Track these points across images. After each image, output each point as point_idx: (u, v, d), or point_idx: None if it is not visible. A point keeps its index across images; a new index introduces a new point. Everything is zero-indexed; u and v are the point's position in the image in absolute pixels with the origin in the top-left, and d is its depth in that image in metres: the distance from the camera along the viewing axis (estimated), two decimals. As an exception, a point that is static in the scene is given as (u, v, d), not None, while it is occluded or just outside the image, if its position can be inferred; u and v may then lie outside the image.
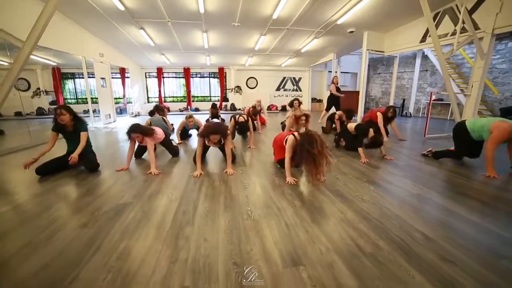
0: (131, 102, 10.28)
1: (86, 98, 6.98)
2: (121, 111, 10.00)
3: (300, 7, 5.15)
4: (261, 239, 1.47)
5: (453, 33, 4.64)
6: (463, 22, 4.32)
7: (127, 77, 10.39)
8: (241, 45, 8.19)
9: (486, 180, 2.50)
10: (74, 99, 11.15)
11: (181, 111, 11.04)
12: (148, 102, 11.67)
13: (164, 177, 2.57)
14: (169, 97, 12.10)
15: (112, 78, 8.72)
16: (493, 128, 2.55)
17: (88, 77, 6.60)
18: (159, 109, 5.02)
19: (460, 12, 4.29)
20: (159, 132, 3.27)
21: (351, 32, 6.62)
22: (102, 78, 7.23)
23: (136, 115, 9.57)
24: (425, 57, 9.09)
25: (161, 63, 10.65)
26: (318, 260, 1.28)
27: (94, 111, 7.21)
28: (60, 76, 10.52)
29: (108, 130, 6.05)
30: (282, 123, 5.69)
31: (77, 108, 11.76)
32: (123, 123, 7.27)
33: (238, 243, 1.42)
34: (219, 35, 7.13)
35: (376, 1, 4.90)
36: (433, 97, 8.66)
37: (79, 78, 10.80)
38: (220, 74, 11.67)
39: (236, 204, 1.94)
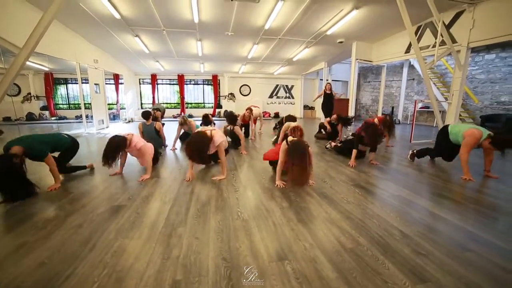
0: (125, 108, 10.29)
1: (79, 104, 7.00)
2: (114, 117, 10.00)
3: (291, 18, 5.38)
4: (250, 237, 1.56)
5: (434, 45, 4.94)
6: (442, 36, 4.62)
7: (121, 83, 10.43)
8: (235, 54, 8.40)
9: (462, 182, 2.67)
10: (66, 104, 11.09)
11: (174, 117, 11.09)
12: (142, 108, 11.69)
13: (157, 181, 2.64)
14: (163, 103, 12.15)
15: (106, 84, 8.77)
16: (466, 134, 2.75)
17: (82, 82, 6.63)
18: (154, 118, 4.87)
19: (438, 26, 4.59)
20: (149, 148, 2.97)
21: (341, 42, 6.92)
22: (96, 84, 7.27)
23: (129, 121, 9.57)
24: (411, 67, 9.51)
25: (156, 70, 10.76)
26: (302, 255, 1.38)
27: (87, 116, 7.21)
28: (52, 81, 10.48)
29: (101, 135, 6.06)
30: (275, 128, 5.85)
31: (70, 114, 11.70)
32: (116, 129, 7.28)
33: (228, 241, 1.51)
34: (213, 43, 7.31)
35: (363, 14, 5.18)
36: (419, 105, 9.06)
37: (72, 83, 10.79)
38: (214, 81, 11.85)
39: (227, 206, 2.03)
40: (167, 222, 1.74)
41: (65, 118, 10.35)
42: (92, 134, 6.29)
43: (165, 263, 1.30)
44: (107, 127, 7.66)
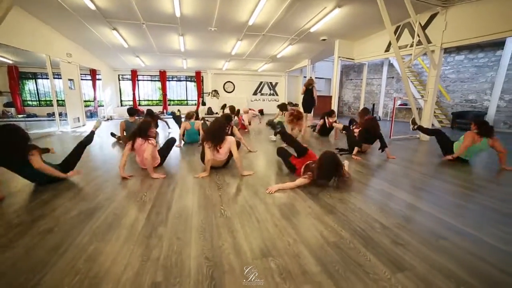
0: (103, 106, 9.80)
1: (51, 100, 6.54)
2: (91, 115, 9.49)
3: (275, 15, 5.36)
4: (233, 235, 1.53)
5: (411, 45, 5.14)
6: (418, 36, 4.82)
7: (99, 79, 9.91)
8: (218, 50, 8.26)
9: (439, 176, 2.81)
10: (36, 101, 10.29)
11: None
12: (122, 105, 11.21)
13: (138, 180, 2.53)
14: (144, 100, 11.73)
15: (82, 79, 8.28)
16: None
17: (54, 77, 6.20)
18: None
19: (415, 27, 4.78)
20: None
21: (324, 40, 7.01)
22: (70, 80, 6.84)
23: (108, 119, 9.14)
24: (391, 65, 9.88)
25: (136, 66, 10.33)
26: (285, 251, 1.38)
27: (60, 114, 6.77)
28: (17, 75, 9.63)
29: (77, 134, 5.73)
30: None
31: (40, 111, 10.82)
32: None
33: (211, 240, 1.47)
34: (196, 39, 7.13)
35: (345, 13, 5.26)
36: (398, 102, 9.44)
37: (43, 78, 10.03)
38: (197, 78, 11.60)
39: (210, 204, 1.98)
40: (147, 222, 1.67)
41: (35, 115, 9.61)
42: (67, 132, 5.92)
43: (144, 265, 1.24)
44: (83, 125, 7.26)
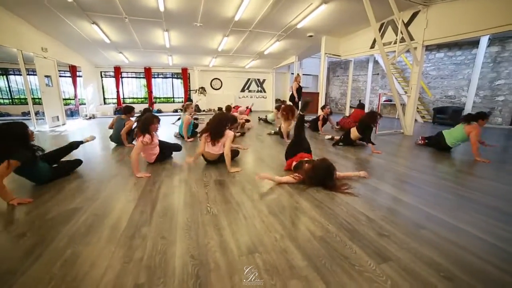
0: (85, 104, 9.40)
1: (26, 98, 6.17)
2: (72, 113, 9.06)
3: (261, 10, 5.31)
4: (219, 232, 1.50)
5: (395, 42, 5.27)
6: (402, 33, 4.94)
7: (79, 76, 9.47)
8: (204, 46, 8.10)
9: (422, 169, 2.91)
10: (8, 99, 9.68)
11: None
12: (105, 103, 10.80)
13: (122, 179, 2.44)
14: (129, 98, 11.36)
15: (61, 76, 7.90)
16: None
17: (29, 74, 5.85)
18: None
19: (399, 24, 4.89)
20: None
21: (310, 36, 7.04)
22: (47, 76, 6.49)
23: (90, 118, 8.77)
24: (376, 62, 10.09)
25: (119, 62, 9.95)
26: (272, 247, 1.37)
27: (37, 113, 6.43)
28: (-19, 71, 8.97)
29: (56, 133, 5.46)
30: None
31: (14, 110, 10.17)
32: (75, 126, 6.62)
33: (196, 238, 1.44)
34: (181, 34, 6.95)
35: (331, 9, 5.30)
36: (383, 98, 9.69)
37: (15, 74, 9.44)
38: (184, 75, 11.36)
39: (196, 201, 1.94)
40: (130, 223, 1.61)
41: (7, 114, 9.06)
42: (45, 132, 5.63)
43: (126, 267, 1.19)
44: (63, 124, 6.92)
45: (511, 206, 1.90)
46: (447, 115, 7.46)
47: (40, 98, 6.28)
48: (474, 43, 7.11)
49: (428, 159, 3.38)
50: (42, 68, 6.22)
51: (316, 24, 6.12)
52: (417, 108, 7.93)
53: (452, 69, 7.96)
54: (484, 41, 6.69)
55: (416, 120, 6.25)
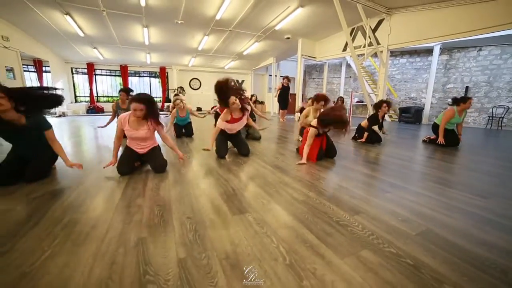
0: (53, 101, 8.82)
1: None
2: (39, 111, 8.44)
3: (242, 11, 5.53)
4: (211, 200, 1.64)
5: (364, 46, 5.80)
6: (370, 38, 5.46)
7: (47, 71, 8.90)
8: (185, 44, 8.12)
9: (392, 155, 3.28)
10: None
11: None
12: (76, 101, 10.23)
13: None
14: (103, 96, 10.88)
15: (26, 71, 7.39)
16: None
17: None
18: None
19: (367, 29, 5.41)
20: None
21: (288, 38, 7.42)
22: (9, 70, 6.04)
23: (60, 115, 8.27)
24: (348, 66, 10.84)
25: (93, 58, 9.54)
26: (261, 208, 1.53)
27: None
28: None
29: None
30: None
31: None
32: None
33: (190, 205, 1.56)
34: (161, 31, 6.92)
35: (307, 13, 5.69)
36: (355, 100, 10.41)
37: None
38: (162, 74, 11.19)
39: (186, 180, 2.04)
40: (123, 196, 1.68)
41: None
42: (10, 128, 5.23)
43: (127, 226, 1.28)
44: (30, 121, 6.45)
45: (452, 176, 2.28)
46: (410, 114, 8.27)
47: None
48: (429, 51, 8.02)
49: (394, 146, 3.80)
50: (3, 59, 5.78)
51: (294, 26, 6.49)
52: (385, 107, 8.67)
53: (413, 73, 8.87)
54: (436, 49, 7.60)
55: (384, 120, 6.84)
